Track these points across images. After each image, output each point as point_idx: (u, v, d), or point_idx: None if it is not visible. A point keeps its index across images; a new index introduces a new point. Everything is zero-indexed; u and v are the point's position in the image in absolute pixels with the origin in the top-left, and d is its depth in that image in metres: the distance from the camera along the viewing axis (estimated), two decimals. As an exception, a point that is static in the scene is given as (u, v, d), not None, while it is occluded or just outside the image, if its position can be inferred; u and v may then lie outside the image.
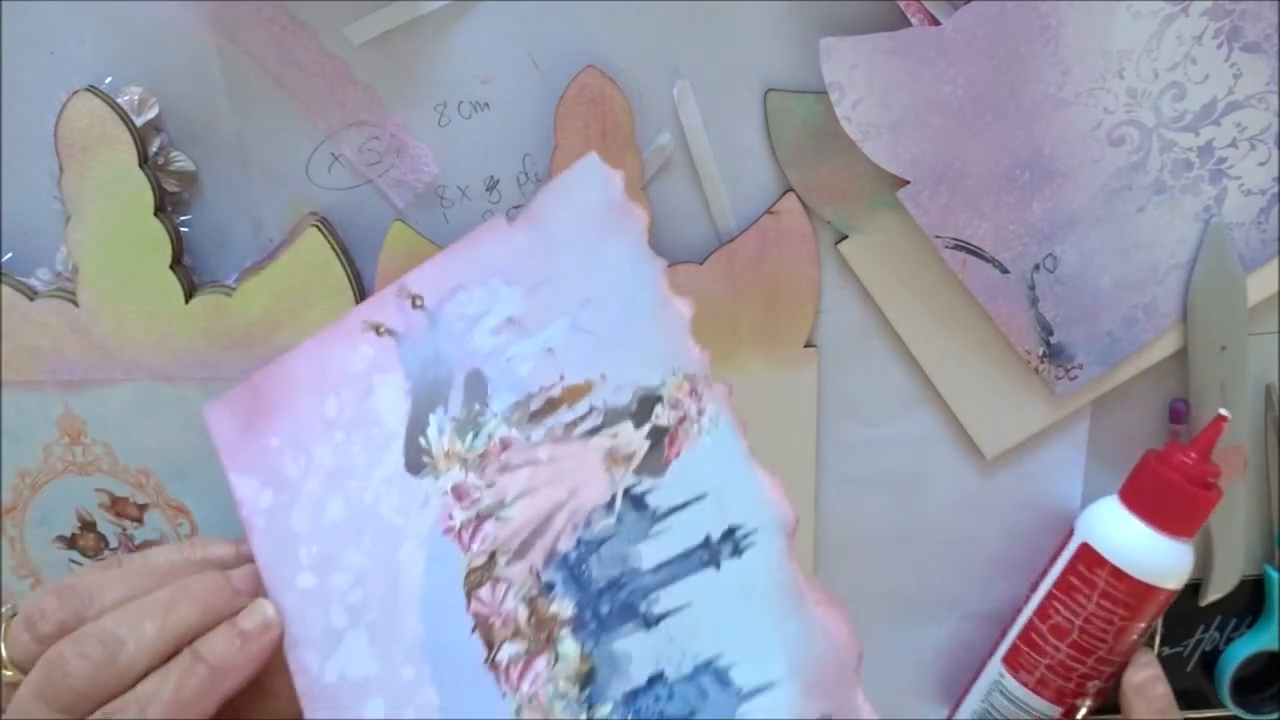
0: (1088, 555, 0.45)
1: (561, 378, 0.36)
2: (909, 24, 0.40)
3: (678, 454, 0.35)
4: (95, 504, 0.44)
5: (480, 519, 0.35)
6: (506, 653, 0.34)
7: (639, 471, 0.35)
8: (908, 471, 0.48)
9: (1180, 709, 0.52)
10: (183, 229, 0.43)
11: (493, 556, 0.35)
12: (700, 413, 0.34)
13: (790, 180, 0.43)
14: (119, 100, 0.40)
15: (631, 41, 0.41)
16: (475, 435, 0.36)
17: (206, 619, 0.33)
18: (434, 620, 0.35)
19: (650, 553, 0.34)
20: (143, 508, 0.44)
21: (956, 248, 0.43)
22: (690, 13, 0.41)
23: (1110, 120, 0.41)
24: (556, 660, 0.34)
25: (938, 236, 0.42)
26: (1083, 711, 0.47)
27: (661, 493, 0.34)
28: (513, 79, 0.42)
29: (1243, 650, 0.51)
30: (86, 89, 0.40)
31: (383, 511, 0.36)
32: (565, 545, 0.34)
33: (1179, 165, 0.42)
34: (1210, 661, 0.52)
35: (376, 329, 0.37)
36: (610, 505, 0.35)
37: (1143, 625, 0.45)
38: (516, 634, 0.34)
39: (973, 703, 0.49)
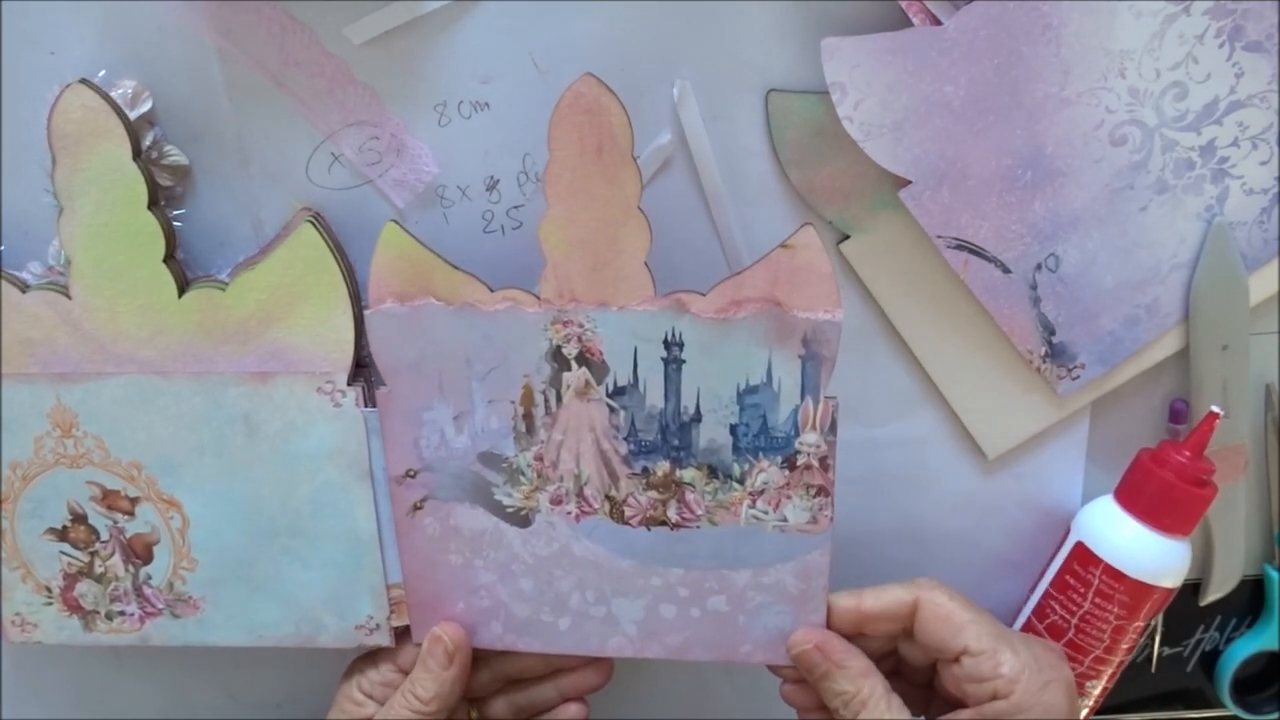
0: (1082, 554, 0.45)
1: None
2: (910, 24, 0.40)
3: None
4: (86, 496, 0.44)
5: None
6: None
7: None
8: (908, 471, 0.48)
9: (1180, 709, 0.52)
10: (176, 224, 0.42)
11: None
12: None
13: (791, 180, 0.43)
14: (112, 94, 0.40)
15: (631, 41, 0.41)
16: None
17: None
18: None
19: None
20: (134, 500, 0.44)
21: (958, 248, 0.43)
22: (690, 13, 0.41)
23: (1112, 120, 0.41)
24: None
25: (939, 236, 0.42)
26: (1083, 714, 0.47)
27: None
28: (513, 79, 0.42)
29: (1243, 650, 0.51)
30: (80, 82, 0.39)
31: None
32: None
33: (1181, 164, 0.42)
34: (1210, 661, 0.52)
35: None
36: None
37: (1140, 624, 0.45)
38: None
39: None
